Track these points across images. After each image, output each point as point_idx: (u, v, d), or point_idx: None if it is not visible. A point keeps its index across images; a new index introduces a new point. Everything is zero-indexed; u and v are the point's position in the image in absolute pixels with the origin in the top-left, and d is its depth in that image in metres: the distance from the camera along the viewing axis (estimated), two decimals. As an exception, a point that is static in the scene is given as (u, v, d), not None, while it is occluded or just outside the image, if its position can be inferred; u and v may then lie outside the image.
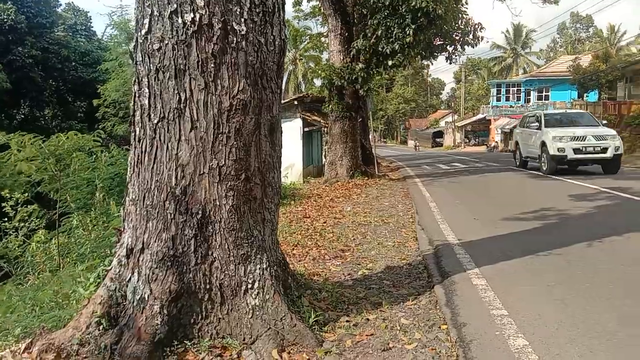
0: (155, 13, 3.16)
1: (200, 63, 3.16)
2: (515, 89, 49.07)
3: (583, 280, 4.60)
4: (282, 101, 3.88)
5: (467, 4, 15.29)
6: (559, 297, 4.14)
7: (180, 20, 3.12)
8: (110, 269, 3.52)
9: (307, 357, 3.17)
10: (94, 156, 6.90)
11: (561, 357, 3.06)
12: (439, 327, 3.68)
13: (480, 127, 53.69)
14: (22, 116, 32.24)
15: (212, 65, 3.17)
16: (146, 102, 3.26)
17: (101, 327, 3.32)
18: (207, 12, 3.13)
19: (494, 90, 51.14)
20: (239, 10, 3.22)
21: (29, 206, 6.13)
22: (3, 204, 5.85)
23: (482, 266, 5.14)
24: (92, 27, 43.28)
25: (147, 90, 3.25)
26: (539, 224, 7.38)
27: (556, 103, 44.45)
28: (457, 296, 4.27)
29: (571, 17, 71.91)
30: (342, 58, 15.48)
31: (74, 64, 35.17)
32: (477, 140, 53.64)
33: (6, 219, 5.91)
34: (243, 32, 3.24)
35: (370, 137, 22.60)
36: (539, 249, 5.73)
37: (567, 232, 6.76)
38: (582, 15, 70.88)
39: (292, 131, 16.93)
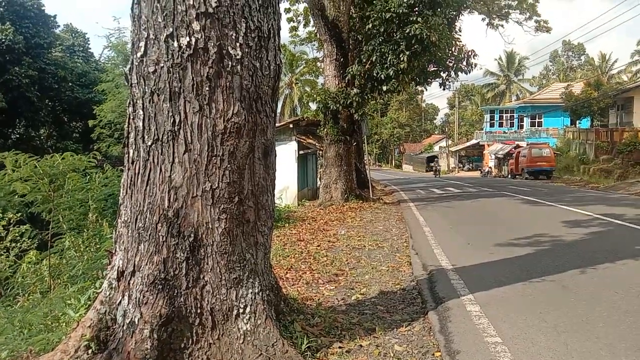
0: (152, 36, 3.19)
1: (195, 86, 3.17)
2: (509, 115, 49.57)
3: (576, 307, 4.58)
4: (278, 124, 3.91)
5: (460, 31, 15.63)
6: (552, 325, 4.11)
7: (176, 44, 3.15)
8: (101, 292, 3.48)
9: (299, 384, 3.12)
10: (88, 177, 6.87)
11: (555, 386, 3.03)
12: (433, 355, 3.64)
13: (474, 153, 54.04)
14: (17, 135, 32.20)
15: (207, 88, 3.19)
16: (140, 124, 3.26)
17: (90, 351, 3.26)
18: (203, 36, 3.16)
19: (487, 116, 51.63)
20: (234, 34, 3.25)
21: (21, 226, 6.08)
22: (-6, 224, 5.80)
23: (475, 292, 5.11)
24: (90, 48, 43.58)
25: (141, 113, 3.25)
26: (533, 250, 7.38)
27: (549, 129, 44.93)
28: (451, 323, 4.24)
29: (563, 45, 73.16)
30: (337, 83, 15.64)
31: (70, 84, 35.29)
32: (471, 165, 53.92)
33: (-3, 240, 5.85)
34: (238, 57, 3.27)
35: (364, 160, 22.68)
36: (532, 275, 5.71)
37: (560, 259, 6.75)
38: (574, 44, 72.13)
39: (287, 154, 16.98)
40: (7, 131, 31.76)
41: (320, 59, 36.87)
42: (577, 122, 39.47)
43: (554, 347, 3.64)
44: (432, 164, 41.03)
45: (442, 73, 16.06)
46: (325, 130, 15.97)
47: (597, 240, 8.21)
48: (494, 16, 24.54)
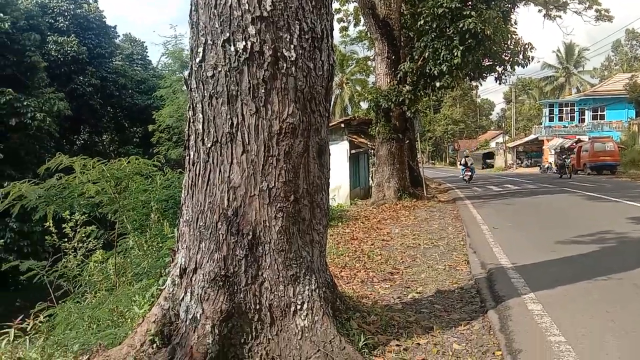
0: (209, 42, 3.30)
1: (251, 89, 3.26)
2: (569, 108, 47.60)
3: (647, 307, 4.36)
4: (330, 124, 3.94)
5: (516, 24, 15.15)
6: (620, 325, 3.93)
7: (232, 49, 3.24)
8: (164, 289, 3.62)
9: (357, 381, 3.14)
10: (150, 179, 7.15)
11: (625, 388, 2.91)
12: (493, 354, 3.57)
13: (533, 148, 52.19)
14: (82, 141, 33.96)
15: (263, 90, 3.27)
16: (200, 127, 3.38)
17: (155, 345, 3.41)
18: (258, 40, 3.24)
19: (546, 110, 49.75)
20: (288, 37, 3.31)
21: (87, 227, 6.39)
22: (63, 225, 6.12)
23: (537, 291, 4.95)
24: (148, 56, 45.39)
25: (201, 116, 3.38)
26: (597, 248, 7.07)
27: (612, 122, 42.82)
28: (512, 322, 4.14)
29: (626, 34, 69.37)
30: (388, 81, 15.53)
31: (130, 91, 36.84)
32: (529, 161, 52.11)
33: (66, 240, 6.17)
34: (293, 58, 3.33)
35: (417, 158, 22.40)
36: (597, 274, 5.48)
37: (627, 256, 6.44)
38: (638, 32, 68.29)
39: (339, 154, 17.02)
40: (72, 137, 33.53)
41: (371, 57, 36.81)
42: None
43: (622, 347, 3.48)
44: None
45: (497, 67, 15.66)
46: (377, 128, 15.90)
47: (668, 238, 7.76)
48: (551, 7, 23.59)
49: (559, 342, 3.62)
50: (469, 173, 25.63)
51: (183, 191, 3.61)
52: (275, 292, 3.37)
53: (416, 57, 14.49)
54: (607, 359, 3.31)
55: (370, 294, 5.27)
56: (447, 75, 13.89)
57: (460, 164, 30.24)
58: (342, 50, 45.06)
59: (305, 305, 3.39)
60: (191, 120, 3.46)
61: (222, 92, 3.28)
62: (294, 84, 3.34)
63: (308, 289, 3.44)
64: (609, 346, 3.52)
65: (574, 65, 64.83)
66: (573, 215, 11.28)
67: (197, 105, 3.39)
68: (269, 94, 3.28)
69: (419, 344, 3.78)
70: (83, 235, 6.28)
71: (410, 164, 19.32)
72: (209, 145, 3.35)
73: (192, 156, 3.48)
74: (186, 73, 3.56)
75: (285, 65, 3.31)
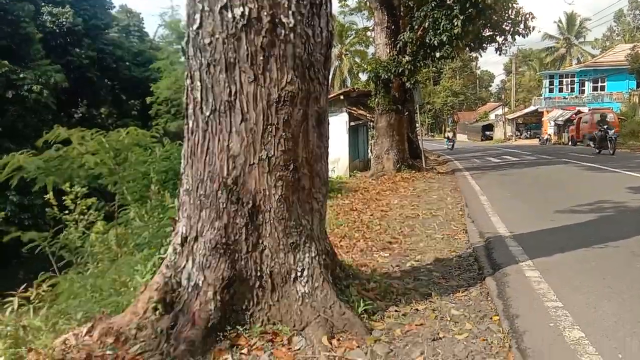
0: (206, 8, 3.25)
1: (249, 56, 3.23)
2: (569, 79, 47.17)
3: (643, 273, 4.41)
4: (329, 96, 3.91)
5: (517, -7, 14.84)
6: (617, 291, 3.99)
7: (230, 15, 3.20)
8: (166, 257, 3.66)
9: (357, 345, 3.20)
10: (149, 151, 7.14)
11: (620, 350, 2.96)
12: (491, 319, 3.63)
13: (532, 120, 51.96)
14: (80, 115, 33.74)
15: (261, 58, 3.24)
16: (198, 95, 3.36)
17: (157, 313, 3.45)
18: (256, 6, 3.19)
19: (546, 82, 49.33)
20: (286, 2, 3.26)
21: (87, 199, 6.41)
22: (63, 197, 6.14)
23: (535, 258, 5.01)
24: (145, 27, 44.72)
25: (199, 84, 3.35)
26: (596, 217, 7.12)
27: (613, 94, 42.53)
28: (509, 288, 4.19)
29: (629, 4, 68.31)
30: (388, 51, 15.37)
31: (127, 63, 36.43)
32: (529, 133, 51.95)
33: (67, 212, 6.20)
34: (291, 25, 3.29)
35: (417, 130, 22.33)
36: (595, 242, 5.53)
37: (624, 225, 6.49)
38: (642, 1, 67.22)
39: (338, 126, 16.95)
40: (70, 111, 33.31)
41: (371, 28, 36.34)
42: (644, 85, 37.14)
43: (619, 313, 3.54)
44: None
45: (497, 37, 15.43)
46: (376, 100, 15.80)
47: (665, 207, 7.80)
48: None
49: (556, 308, 3.67)
50: (451, 143, 35.88)
51: (182, 160, 3.61)
52: (276, 260, 3.41)
53: (416, 27, 14.29)
54: (603, 324, 3.36)
55: (370, 263, 5.32)
56: (447, 46, 13.71)
57: (445, 137, 41.12)
58: (341, 21, 44.44)
59: (305, 272, 3.44)
60: (189, 89, 3.43)
61: (220, 60, 3.25)
62: (292, 51, 3.30)
63: (308, 256, 3.47)
64: (605, 311, 3.58)
65: (575, 36, 64.04)
66: (572, 186, 11.32)
67: (195, 74, 3.36)
68: (267, 62, 3.25)
69: (417, 309, 3.84)
70: (84, 207, 6.30)
71: (409, 135, 19.26)
72: (207, 113, 3.34)
73: (190, 125, 3.47)
74: (184, 41, 3.51)
75: (283, 32, 3.27)
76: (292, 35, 3.30)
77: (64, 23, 30.94)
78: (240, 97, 3.28)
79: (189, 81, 3.43)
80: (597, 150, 21.06)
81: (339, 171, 17.22)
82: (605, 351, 2.96)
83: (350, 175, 16.98)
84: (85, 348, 3.36)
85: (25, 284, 4.56)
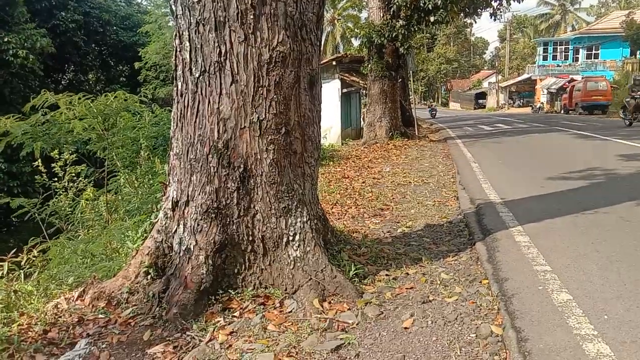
0: (195, -35, 3.13)
1: (239, 15, 3.14)
2: (563, 47, 46.82)
3: (630, 238, 4.46)
4: (321, 62, 3.83)
5: (514, -44, 14.56)
6: (605, 255, 4.03)
7: (219, -28, 3.09)
8: (157, 222, 3.64)
9: (348, 307, 3.23)
10: (139, 116, 7.04)
11: (606, 312, 3.01)
12: (480, 282, 3.67)
13: (525, 88, 51.75)
14: (67, 81, 33.09)
15: (252, 16, 3.15)
16: (187, 55, 3.28)
17: (149, 277, 3.46)
18: (246, -38, 3.08)
19: (540, 49, 48.93)
20: (278, -41, 3.16)
21: (76, 166, 6.34)
22: (52, 165, 6.06)
23: (525, 224, 5.04)
24: (131, -10, 43.44)
25: (188, 44, 3.26)
26: (586, 183, 7.16)
27: (606, 62, 42.34)
28: (499, 252, 4.23)
29: (627, -31, 67.45)
30: (381, 15, 15.10)
31: (114, 27, 35.54)
32: (521, 101, 51.80)
33: (56, 179, 6.13)
34: (282, -18, 3.19)
35: (410, 98, 22.17)
36: (585, 208, 5.57)
37: (614, 191, 6.53)
38: (640, -34, 66.35)
39: (330, 92, 16.77)
40: (57, 76, 32.68)
41: (364, -8, 35.60)
42: (638, 52, 36.90)
43: (606, 275, 3.58)
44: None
45: (492, 2, 15.21)
46: (369, 66, 15.60)
47: (655, 174, 7.85)
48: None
49: (544, 271, 3.71)
50: (433, 112, 38.38)
51: (172, 124, 3.55)
52: (268, 224, 3.40)
53: (410, -10, 14.02)
54: (591, 286, 3.40)
55: (361, 229, 5.34)
56: (441, 10, 13.49)
57: (428, 107, 44.15)
58: (333, -15, 43.51)
59: (297, 237, 3.43)
60: (178, 50, 3.35)
61: (209, 19, 3.15)
62: (283, 9, 3.21)
63: (300, 221, 3.46)
64: (593, 274, 3.62)
65: (570, 2, 63.37)
66: (563, 153, 11.35)
67: (184, 33, 3.27)
68: (257, 20, 3.16)
69: (407, 273, 3.86)
70: (73, 174, 6.24)
71: (402, 103, 19.11)
72: (197, 75, 3.26)
73: (180, 87, 3.40)
74: (172, 0, 3.40)
75: (274, -11, 3.17)
76: (283, -7, 3.21)
77: (49, -16, 30.01)
78: (230, 57, 3.20)
79: (177, 41, 3.35)
80: (628, 122, 16.98)
81: (331, 139, 17.12)
82: (592, 313, 3.01)
83: (342, 144, 16.90)
84: (77, 312, 3.37)
85: (15, 249, 4.54)
